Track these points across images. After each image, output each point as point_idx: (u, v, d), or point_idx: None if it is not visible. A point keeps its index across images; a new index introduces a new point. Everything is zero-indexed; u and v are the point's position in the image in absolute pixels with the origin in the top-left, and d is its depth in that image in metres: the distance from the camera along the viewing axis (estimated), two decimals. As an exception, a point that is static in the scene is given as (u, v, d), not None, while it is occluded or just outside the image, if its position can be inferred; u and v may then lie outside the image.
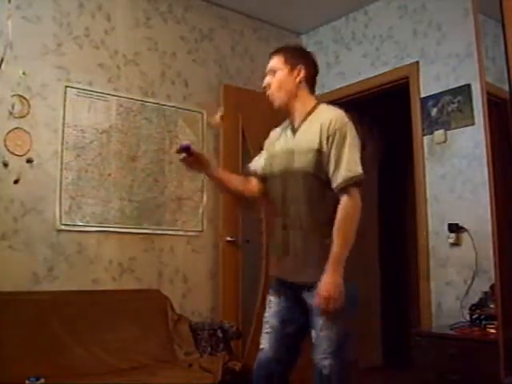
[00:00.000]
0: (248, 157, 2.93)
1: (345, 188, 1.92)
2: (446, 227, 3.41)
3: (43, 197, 3.16)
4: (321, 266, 1.91)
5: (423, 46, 3.71)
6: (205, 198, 3.84)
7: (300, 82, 2.07)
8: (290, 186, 2.03)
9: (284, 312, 2.05)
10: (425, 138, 3.62)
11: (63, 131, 3.26)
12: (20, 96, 3.10)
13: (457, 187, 3.42)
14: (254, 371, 2.09)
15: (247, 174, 2.25)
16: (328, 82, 4.36)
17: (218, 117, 2.17)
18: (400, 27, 3.88)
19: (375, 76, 4.00)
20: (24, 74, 3.11)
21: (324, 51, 4.45)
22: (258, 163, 2.24)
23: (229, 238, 3.74)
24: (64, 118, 3.27)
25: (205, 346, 3.27)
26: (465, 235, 3.32)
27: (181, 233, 3.70)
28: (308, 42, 4.61)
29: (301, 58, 2.10)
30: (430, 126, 3.58)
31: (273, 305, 2.09)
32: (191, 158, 2.05)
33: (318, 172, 1.97)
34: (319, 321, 1.93)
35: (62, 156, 3.24)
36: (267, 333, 2.07)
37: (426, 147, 3.62)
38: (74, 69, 3.35)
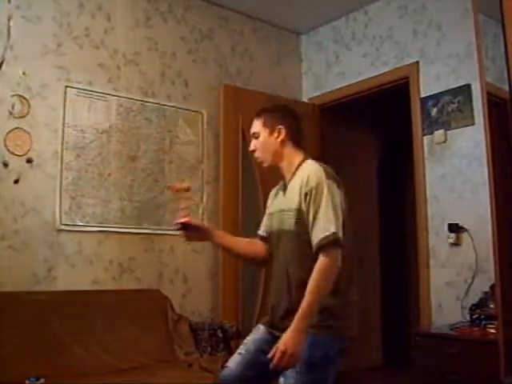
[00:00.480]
0: (248, 157, 2.91)
1: (322, 248, 1.87)
2: (446, 227, 3.41)
3: (43, 197, 3.16)
4: None
5: (423, 46, 3.71)
6: (205, 198, 3.84)
7: (282, 141, 2.06)
8: (281, 246, 2.03)
9: (265, 343, 1.99)
10: (425, 137, 3.62)
11: (63, 131, 3.26)
12: (20, 96, 3.10)
13: (457, 187, 3.42)
14: None
15: (258, 238, 2.25)
16: (328, 82, 4.36)
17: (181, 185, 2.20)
18: (400, 27, 3.88)
19: (375, 76, 4.00)
20: (24, 73, 3.11)
21: (324, 51, 4.45)
22: (262, 225, 2.25)
23: (229, 238, 3.74)
24: (64, 118, 3.27)
25: (205, 346, 3.27)
26: (465, 235, 3.32)
27: (180, 232, 3.69)
28: (308, 42, 4.61)
29: (279, 118, 2.09)
30: (430, 126, 3.59)
31: (259, 332, 2.08)
32: (191, 231, 2.11)
33: (301, 231, 1.95)
34: (290, 371, 1.87)
35: (62, 156, 3.24)
36: (239, 354, 2.06)
37: (426, 147, 3.62)
38: (74, 69, 3.35)
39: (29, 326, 2.76)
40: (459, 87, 3.43)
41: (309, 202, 1.91)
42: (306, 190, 1.92)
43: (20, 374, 2.47)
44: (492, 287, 2.78)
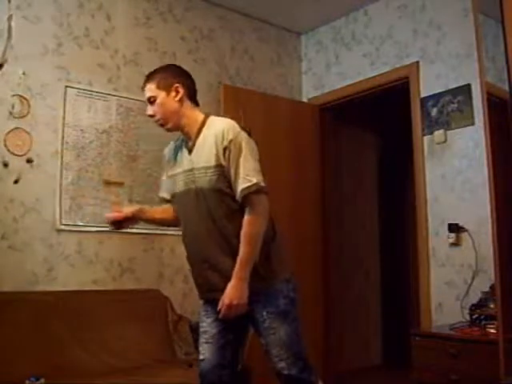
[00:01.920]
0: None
1: (246, 198, 1.92)
2: (446, 227, 3.41)
3: (43, 197, 3.16)
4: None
5: (423, 46, 3.71)
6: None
7: (180, 100, 2.06)
8: (195, 206, 2.02)
9: (222, 321, 2.02)
10: (425, 137, 3.62)
11: (63, 131, 3.26)
12: (20, 96, 3.10)
13: (457, 187, 3.42)
14: (201, 381, 2.08)
15: (161, 201, 2.27)
16: (328, 82, 4.36)
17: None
18: (400, 27, 3.88)
19: (375, 76, 4.00)
20: (24, 74, 3.11)
21: (324, 51, 4.45)
22: (164, 188, 2.25)
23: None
24: (64, 118, 3.27)
25: (205, 346, 3.27)
26: (465, 235, 3.32)
27: (181, 233, 3.69)
28: (308, 42, 4.61)
29: (173, 77, 2.09)
30: (430, 126, 3.58)
31: (210, 314, 2.08)
32: (120, 224, 2.16)
33: (222, 186, 1.96)
34: (265, 326, 1.96)
35: (62, 156, 3.24)
36: (207, 343, 2.06)
37: (426, 147, 3.62)
38: (74, 69, 3.35)
39: (28, 325, 2.76)
40: (459, 87, 3.43)
41: (229, 156, 1.94)
42: (224, 145, 1.95)
43: (20, 373, 2.47)
44: (492, 287, 2.78)
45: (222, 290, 1.94)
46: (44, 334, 2.78)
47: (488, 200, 2.41)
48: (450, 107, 3.48)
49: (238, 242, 1.93)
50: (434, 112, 3.58)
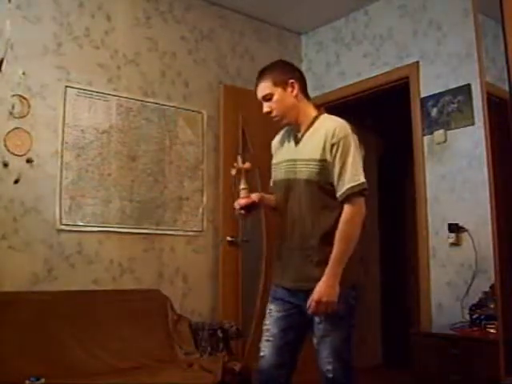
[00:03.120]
0: (248, 157, 2.90)
1: (348, 197, 1.95)
2: (446, 227, 3.41)
3: (43, 197, 3.16)
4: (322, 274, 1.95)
5: (423, 46, 3.71)
6: (205, 198, 3.84)
7: (297, 95, 2.09)
8: (292, 196, 2.05)
9: (284, 320, 2.08)
10: (425, 137, 3.62)
11: (63, 131, 3.26)
12: (20, 96, 3.10)
13: (457, 187, 3.42)
14: (259, 378, 2.13)
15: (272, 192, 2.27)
16: (328, 82, 4.36)
17: (233, 170, 2.19)
18: (400, 27, 3.88)
19: (375, 76, 4.00)
20: (24, 74, 3.11)
21: (324, 51, 4.45)
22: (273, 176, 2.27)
23: (229, 238, 3.74)
24: (64, 118, 3.27)
25: (205, 346, 3.27)
26: (465, 235, 3.32)
27: (181, 233, 3.70)
28: (308, 42, 4.61)
29: (287, 72, 2.11)
30: (430, 126, 3.58)
31: (273, 313, 2.12)
32: (248, 210, 2.13)
33: (321, 181, 1.99)
34: (320, 328, 1.98)
35: (62, 156, 3.24)
36: (267, 340, 2.10)
37: (426, 147, 3.62)
38: (74, 69, 3.35)
39: (29, 325, 2.76)
40: (459, 87, 3.43)
41: (336, 153, 1.97)
42: (333, 141, 1.97)
43: (20, 373, 2.46)
44: (492, 287, 2.78)
45: (310, 281, 1.96)
46: (44, 334, 2.78)
47: (488, 200, 2.41)
48: (450, 107, 3.48)
49: (327, 238, 1.96)
50: (433, 112, 3.57)
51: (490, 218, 2.39)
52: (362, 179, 1.96)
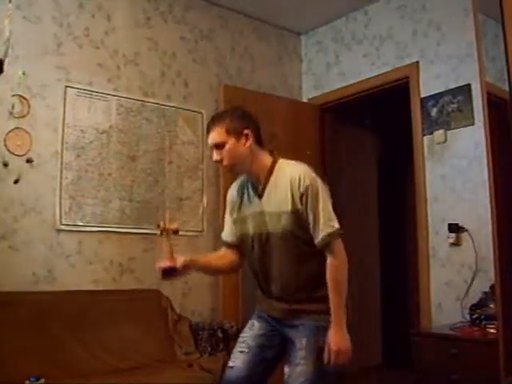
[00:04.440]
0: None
1: (327, 244, 1.91)
2: (446, 227, 3.41)
3: (43, 197, 3.16)
4: (310, 312, 1.95)
5: (423, 46, 3.71)
6: (205, 198, 3.84)
7: (250, 146, 1.99)
8: (269, 250, 1.99)
9: (265, 338, 2.05)
10: (425, 137, 3.62)
11: (63, 131, 3.26)
12: (20, 96, 3.10)
13: (457, 187, 3.42)
14: None
15: (224, 245, 2.20)
16: (328, 82, 4.36)
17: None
18: (400, 27, 3.88)
19: (375, 76, 4.00)
20: (24, 74, 3.11)
21: (324, 51, 4.45)
22: (228, 233, 2.18)
23: (229, 238, 3.74)
24: (64, 118, 3.27)
25: (205, 346, 3.27)
26: (465, 235, 3.32)
27: (181, 233, 3.68)
28: (308, 42, 4.61)
29: (242, 122, 2.00)
30: (430, 126, 3.59)
31: (255, 328, 2.08)
32: (171, 274, 2.10)
33: (297, 231, 1.94)
34: (296, 356, 1.93)
35: (62, 156, 3.24)
36: (241, 352, 2.04)
37: (426, 147, 3.62)
38: (74, 69, 3.35)
39: (29, 325, 2.76)
40: (459, 87, 3.43)
41: (306, 202, 1.92)
42: (301, 191, 1.91)
43: (20, 373, 2.47)
44: (492, 287, 2.78)
45: (286, 312, 1.97)
46: (44, 334, 2.78)
47: (488, 200, 2.41)
48: (450, 107, 3.48)
49: (311, 284, 1.95)
50: (433, 112, 3.57)
51: (490, 218, 2.39)
52: (336, 225, 1.92)
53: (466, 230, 3.31)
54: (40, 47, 3.23)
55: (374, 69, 4.02)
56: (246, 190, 2.08)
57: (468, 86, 3.37)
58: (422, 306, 3.54)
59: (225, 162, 1.99)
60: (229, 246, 2.16)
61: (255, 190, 2.04)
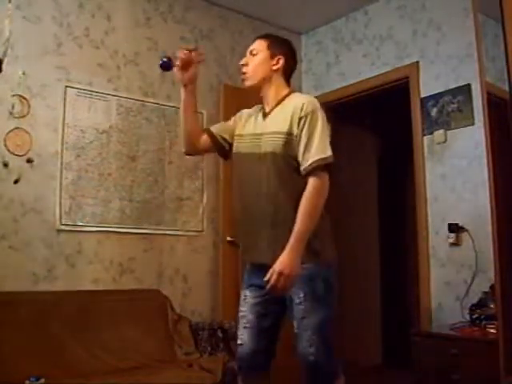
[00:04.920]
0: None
1: (314, 171, 1.93)
2: (446, 227, 3.41)
3: (43, 197, 3.16)
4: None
5: (423, 46, 3.71)
6: (205, 198, 3.84)
7: (276, 70, 2.12)
8: (258, 171, 2.03)
9: (260, 306, 2.07)
10: (425, 137, 3.62)
11: (63, 131, 3.26)
12: (20, 96, 3.10)
13: (457, 187, 3.42)
14: (238, 365, 2.13)
15: (205, 131, 2.27)
16: (328, 82, 4.36)
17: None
18: (400, 27, 3.88)
19: (375, 76, 4.00)
20: (24, 74, 3.11)
21: (324, 51, 4.45)
22: (218, 126, 2.31)
23: (229, 238, 3.74)
24: (64, 118, 3.27)
25: (205, 346, 3.28)
26: (465, 235, 3.32)
27: (181, 233, 3.70)
28: (308, 42, 4.61)
29: (283, 48, 2.15)
30: (430, 126, 3.59)
31: (249, 299, 2.10)
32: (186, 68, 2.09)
33: (287, 155, 1.98)
34: (300, 309, 1.95)
35: (61, 156, 3.25)
36: (245, 327, 2.09)
37: (426, 147, 3.62)
38: (74, 69, 3.35)
39: (29, 325, 2.76)
40: (459, 87, 3.43)
41: (303, 126, 1.97)
42: (301, 115, 1.98)
43: (20, 373, 2.47)
44: (492, 287, 2.78)
45: (269, 258, 1.94)
46: (44, 334, 2.78)
47: (488, 200, 2.41)
48: (450, 107, 3.48)
49: (290, 211, 1.94)
50: (433, 112, 3.57)
51: (490, 218, 2.39)
52: (329, 153, 1.95)
53: (466, 230, 3.31)
54: (40, 47, 3.23)
55: (374, 69, 4.02)
56: (256, 114, 2.18)
57: (468, 86, 3.37)
58: (422, 306, 3.54)
59: (247, 68, 2.13)
60: (208, 132, 2.24)
61: (263, 113, 2.14)
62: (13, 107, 3.06)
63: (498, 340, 2.38)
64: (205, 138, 2.23)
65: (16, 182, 3.03)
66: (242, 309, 2.12)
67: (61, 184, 3.22)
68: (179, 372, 2.85)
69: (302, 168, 1.96)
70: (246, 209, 2.08)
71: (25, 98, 3.12)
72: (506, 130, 2.39)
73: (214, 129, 2.27)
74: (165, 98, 3.74)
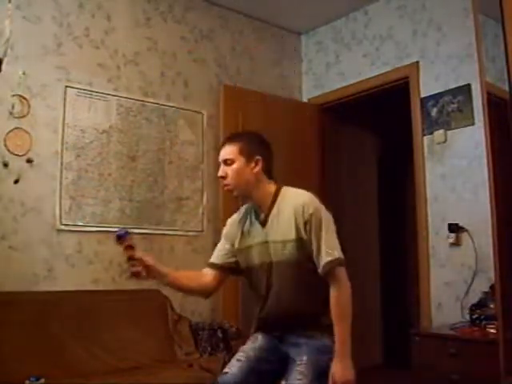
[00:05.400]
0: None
1: (330, 271, 1.90)
2: (446, 227, 3.41)
3: (43, 197, 3.16)
4: (313, 332, 1.97)
5: (423, 46, 3.71)
6: (205, 198, 3.84)
7: (257, 173, 2.00)
8: (274, 279, 1.99)
9: (265, 353, 2.03)
10: (425, 137, 3.62)
11: (63, 131, 3.26)
12: (20, 96, 3.10)
13: (457, 187, 3.42)
14: None
15: (211, 266, 2.15)
16: (328, 82, 4.36)
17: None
18: (400, 27, 3.88)
19: (375, 76, 4.01)
20: (24, 74, 3.11)
21: (324, 51, 4.45)
22: (217, 255, 2.16)
23: (229, 238, 3.73)
24: (64, 118, 3.27)
25: (205, 346, 3.27)
26: (465, 235, 3.32)
27: (181, 233, 3.70)
28: (308, 42, 4.61)
29: (257, 148, 2.02)
30: (430, 126, 3.59)
31: (257, 342, 2.07)
32: (139, 263, 1.94)
33: (302, 260, 1.94)
34: (295, 371, 1.91)
35: (62, 156, 3.25)
36: (238, 360, 2.02)
37: (426, 147, 3.62)
38: (74, 69, 3.35)
39: (29, 325, 2.76)
40: (459, 87, 3.43)
41: (310, 230, 1.92)
42: (306, 218, 1.91)
43: (20, 373, 2.47)
44: (492, 287, 2.78)
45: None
46: (44, 334, 2.78)
47: (488, 200, 2.41)
48: (450, 107, 3.48)
49: (316, 313, 1.96)
50: (433, 112, 3.57)
51: (490, 218, 2.39)
52: (338, 254, 1.91)
53: (466, 230, 3.31)
54: (40, 47, 3.23)
55: (374, 69, 4.02)
56: (248, 220, 2.09)
57: (468, 86, 3.37)
58: (422, 306, 3.54)
59: (228, 180, 1.99)
60: (214, 267, 2.12)
61: (258, 218, 2.04)
62: (13, 107, 3.06)
63: (498, 340, 2.37)
64: (214, 275, 2.12)
65: (16, 182, 3.03)
66: (245, 346, 2.08)
67: (61, 184, 3.22)
68: (179, 372, 2.85)
69: (319, 270, 1.93)
70: (270, 318, 2.05)
71: (25, 98, 3.12)
72: (506, 130, 2.38)
73: (218, 260, 2.14)
74: (165, 98, 3.74)
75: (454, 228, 3.35)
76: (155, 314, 3.28)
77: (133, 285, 3.40)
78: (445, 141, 3.50)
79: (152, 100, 3.68)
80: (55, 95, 3.26)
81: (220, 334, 3.28)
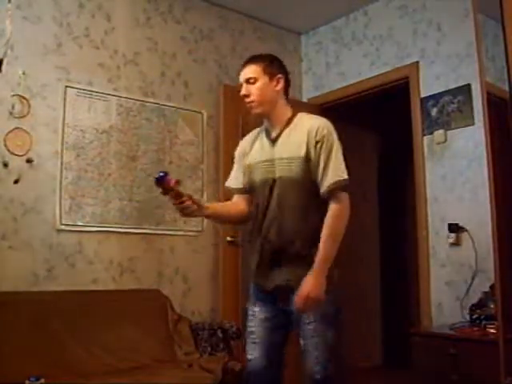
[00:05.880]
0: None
1: (333, 193, 1.96)
2: (446, 227, 3.41)
3: (43, 197, 3.16)
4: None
5: (423, 46, 3.71)
6: (205, 198, 3.84)
7: (279, 90, 2.10)
8: (274, 196, 2.02)
9: (269, 322, 2.07)
10: (425, 137, 3.62)
11: (63, 131, 3.26)
12: (20, 96, 3.10)
13: (457, 187, 3.42)
14: (247, 380, 2.12)
15: (235, 192, 2.22)
16: (328, 82, 4.36)
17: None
18: (400, 27, 3.88)
19: (375, 76, 4.01)
20: (24, 73, 3.11)
21: (324, 51, 4.45)
22: (236, 179, 2.21)
23: (229, 238, 3.74)
24: (64, 118, 3.27)
25: (205, 346, 3.27)
26: (465, 235, 3.32)
27: (181, 233, 3.70)
28: (308, 42, 4.61)
29: (279, 67, 2.13)
30: (430, 126, 3.59)
31: (257, 314, 2.09)
32: (187, 199, 1.93)
33: (305, 179, 1.99)
34: (309, 328, 1.96)
35: (62, 156, 3.24)
36: (254, 343, 2.08)
37: (426, 147, 3.62)
38: (74, 69, 3.35)
39: (29, 325, 2.76)
40: (459, 87, 3.43)
41: (320, 150, 1.98)
42: (317, 139, 1.98)
43: (20, 374, 2.46)
44: (492, 287, 2.78)
45: (286, 281, 1.97)
46: (44, 334, 2.78)
47: (488, 200, 2.41)
48: (450, 107, 3.48)
49: (314, 237, 1.95)
50: (433, 112, 3.58)
51: (490, 218, 2.39)
52: (345, 175, 1.99)
53: (466, 230, 3.31)
54: (40, 47, 3.23)
55: (374, 69, 4.02)
56: (259, 140, 2.15)
57: (468, 86, 3.37)
58: (422, 306, 3.54)
59: (252, 98, 2.08)
60: (238, 191, 2.20)
61: (269, 137, 2.11)
62: (13, 107, 3.06)
63: (498, 340, 2.37)
64: (244, 198, 2.20)
65: (16, 182, 3.03)
66: (250, 324, 2.11)
67: (61, 184, 3.22)
68: (179, 372, 2.85)
69: (321, 192, 1.98)
70: (263, 234, 2.06)
71: (25, 98, 3.12)
72: (506, 130, 2.38)
73: (242, 184, 2.20)
74: (165, 98, 3.74)
75: (454, 228, 3.35)
76: (155, 314, 3.28)
77: (133, 285, 3.42)
78: (445, 141, 3.50)
79: (152, 100, 3.68)
80: (55, 95, 3.26)
81: (220, 334, 3.28)
